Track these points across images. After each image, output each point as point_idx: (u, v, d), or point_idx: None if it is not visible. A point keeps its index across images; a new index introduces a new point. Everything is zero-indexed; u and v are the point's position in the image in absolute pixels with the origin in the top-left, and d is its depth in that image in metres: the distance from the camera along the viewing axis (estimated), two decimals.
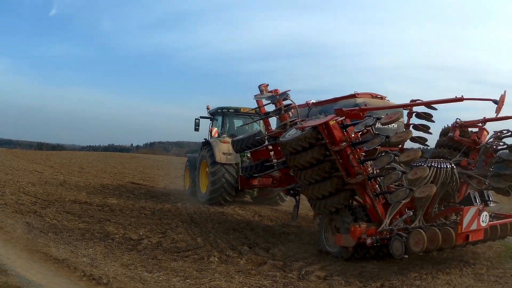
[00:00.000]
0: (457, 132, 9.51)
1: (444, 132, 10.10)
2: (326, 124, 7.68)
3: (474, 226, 6.97)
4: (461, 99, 7.18)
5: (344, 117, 8.15)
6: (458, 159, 8.95)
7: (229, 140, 14.80)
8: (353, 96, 9.93)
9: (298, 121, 9.70)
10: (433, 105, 9.31)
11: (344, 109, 8.61)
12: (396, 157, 7.38)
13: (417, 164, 7.75)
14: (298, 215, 10.62)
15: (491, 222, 7.51)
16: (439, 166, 7.94)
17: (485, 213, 7.16)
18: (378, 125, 8.08)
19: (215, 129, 15.69)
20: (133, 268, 6.71)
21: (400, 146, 8.87)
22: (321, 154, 7.84)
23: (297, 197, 10.55)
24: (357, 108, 8.67)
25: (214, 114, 16.78)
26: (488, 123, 9.37)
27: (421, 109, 9.79)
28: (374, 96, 10.09)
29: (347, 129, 7.82)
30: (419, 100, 9.59)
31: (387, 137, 7.42)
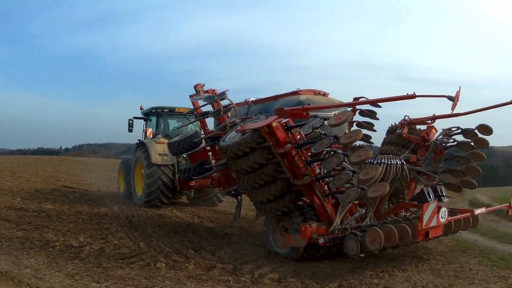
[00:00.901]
0: (405, 129, 9.72)
1: (392, 130, 10.30)
2: (268, 126, 7.55)
3: (433, 223, 7.01)
4: (413, 96, 7.09)
5: (287, 118, 8.02)
6: (407, 155, 9.12)
7: (165, 140, 14.61)
8: (295, 93, 9.95)
9: (238, 122, 9.60)
10: (378, 103, 9.38)
11: (285, 108, 8.44)
12: (346, 158, 7.41)
13: (368, 162, 7.74)
14: (240, 216, 10.65)
15: (449, 218, 7.61)
16: (389, 162, 7.97)
17: (444, 209, 7.27)
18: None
19: (150, 130, 15.44)
20: (79, 278, 6.43)
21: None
22: (264, 158, 7.71)
23: (239, 197, 10.54)
24: (300, 107, 8.51)
25: (148, 114, 16.46)
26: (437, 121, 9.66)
27: (365, 106, 9.94)
28: (317, 92, 10.15)
29: (291, 131, 7.75)
30: (363, 97, 9.70)
31: (336, 137, 7.34)
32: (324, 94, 10.35)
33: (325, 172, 7.44)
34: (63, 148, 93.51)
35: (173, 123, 16.47)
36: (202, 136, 11.41)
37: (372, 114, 9.93)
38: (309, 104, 8.89)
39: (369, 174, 7.12)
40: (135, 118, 16.65)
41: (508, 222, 12.73)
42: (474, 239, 10.12)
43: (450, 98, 7.82)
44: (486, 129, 9.20)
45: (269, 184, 7.80)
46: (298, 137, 7.78)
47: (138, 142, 15.63)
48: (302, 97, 9.75)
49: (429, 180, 9.16)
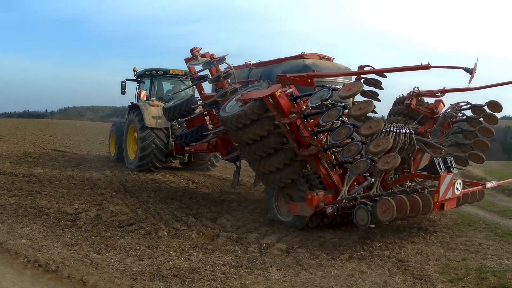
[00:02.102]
0: (414, 101, 9.59)
1: (399, 101, 10.20)
2: (272, 95, 7.17)
3: (449, 195, 6.90)
4: (427, 67, 6.65)
5: (290, 85, 7.64)
6: (415, 126, 8.97)
7: (159, 103, 14.22)
8: (300, 56, 9.52)
9: (238, 88, 9.25)
10: (384, 73, 9.08)
11: (288, 75, 8.03)
12: (355, 128, 7.01)
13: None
14: (238, 182, 10.38)
15: (464, 191, 7.48)
16: (397, 131, 7.77)
17: (459, 181, 7.13)
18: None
19: (143, 92, 14.87)
20: (79, 248, 6.09)
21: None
22: (267, 128, 7.37)
23: (238, 163, 10.26)
24: (304, 74, 8.01)
25: (141, 77, 15.87)
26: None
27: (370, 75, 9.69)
28: (322, 57, 9.75)
29: (297, 101, 7.35)
30: (368, 66, 9.45)
31: (344, 107, 7.01)
32: (329, 59, 9.94)
33: (333, 142, 7.11)
34: (49, 111, 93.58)
35: (167, 86, 15.95)
36: (198, 100, 11.01)
37: (377, 84, 9.63)
38: (314, 71, 8.47)
39: (380, 146, 6.83)
40: (128, 80, 16.10)
41: (505, 196, 12.85)
42: (476, 213, 10.03)
43: (467, 70, 7.29)
44: (496, 106, 9.22)
45: (272, 155, 7.51)
46: (304, 107, 7.41)
47: (130, 104, 15.16)
48: (308, 61, 9.33)
49: (435, 152, 9.07)
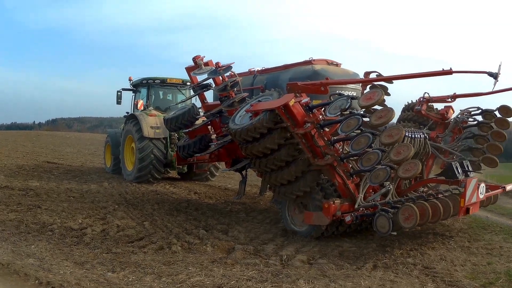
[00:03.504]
0: (425, 106, 9.46)
1: (409, 107, 10.06)
2: (285, 106, 6.80)
3: (474, 199, 6.72)
4: (449, 72, 6.31)
5: (300, 93, 7.29)
6: (426, 131, 8.79)
7: (156, 113, 13.90)
8: (309, 62, 9.24)
9: (246, 97, 8.93)
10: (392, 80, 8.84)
11: (300, 83, 7.64)
12: (375, 137, 6.75)
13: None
14: (244, 192, 10.03)
15: (487, 194, 7.32)
16: (412, 136, 7.57)
17: (482, 184, 6.96)
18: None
19: (141, 102, 14.49)
20: (91, 267, 5.69)
21: None
22: (280, 139, 7.02)
23: (244, 172, 9.93)
24: (318, 82, 7.71)
25: (137, 86, 15.55)
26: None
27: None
28: (329, 62, 9.47)
29: (313, 111, 7.00)
30: (374, 72, 9.27)
31: (363, 116, 6.70)
32: (337, 64, 9.66)
33: (352, 152, 6.76)
34: (36, 122, 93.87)
35: (164, 95, 15.62)
36: (199, 110, 10.67)
37: (384, 89, 9.39)
38: (327, 78, 8.19)
39: (402, 154, 6.50)
40: (123, 89, 15.76)
41: (508, 199, 12.66)
42: (486, 216, 9.82)
43: (490, 74, 6.89)
44: (507, 111, 9.08)
45: (286, 167, 7.17)
46: (320, 117, 7.06)
47: (127, 114, 14.80)
48: (317, 67, 9.05)
49: (447, 158, 8.92)
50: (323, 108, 7.15)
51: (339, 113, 6.73)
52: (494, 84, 6.94)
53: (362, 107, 6.87)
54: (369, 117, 6.74)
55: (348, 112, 6.88)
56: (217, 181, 15.34)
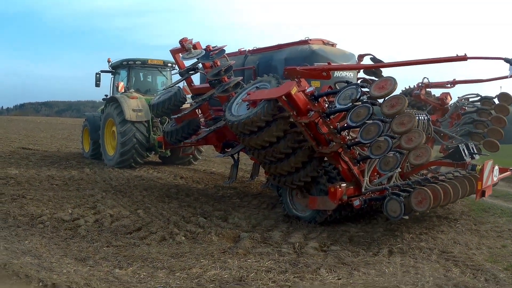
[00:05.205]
0: (424, 91, 9.50)
1: (407, 92, 9.93)
2: (287, 95, 6.42)
3: (489, 182, 6.59)
4: (464, 58, 6.03)
5: (299, 78, 6.97)
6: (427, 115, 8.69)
7: (138, 95, 13.40)
8: (305, 42, 8.80)
9: (240, 81, 8.55)
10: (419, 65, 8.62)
11: (299, 68, 7.16)
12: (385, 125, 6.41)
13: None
14: (236, 176, 9.67)
15: (500, 176, 7.22)
16: (417, 118, 7.30)
17: (496, 167, 6.83)
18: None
19: (121, 84, 13.83)
20: (94, 263, 5.25)
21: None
22: (282, 129, 6.69)
23: (236, 155, 9.56)
24: (320, 67, 7.31)
25: (117, 68, 14.90)
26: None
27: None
28: (325, 42, 9.03)
29: (318, 100, 6.64)
30: (368, 54, 9.00)
31: (373, 104, 6.28)
32: (333, 45, 9.24)
33: (362, 141, 6.44)
34: (5, 108, 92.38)
35: (144, 77, 15.04)
36: (185, 95, 10.14)
37: (378, 72, 9.14)
38: (329, 63, 7.82)
39: (413, 142, 6.12)
40: (102, 71, 15.09)
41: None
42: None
43: (507, 60, 6.65)
44: (507, 98, 9.15)
45: (289, 156, 6.84)
46: (326, 105, 6.75)
47: (106, 97, 14.23)
48: (315, 47, 8.60)
49: (446, 142, 9.00)
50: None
51: (350, 104, 6.39)
52: (511, 71, 6.71)
53: (373, 98, 6.40)
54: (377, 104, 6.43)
55: (359, 102, 6.50)
56: (200, 165, 14.96)
